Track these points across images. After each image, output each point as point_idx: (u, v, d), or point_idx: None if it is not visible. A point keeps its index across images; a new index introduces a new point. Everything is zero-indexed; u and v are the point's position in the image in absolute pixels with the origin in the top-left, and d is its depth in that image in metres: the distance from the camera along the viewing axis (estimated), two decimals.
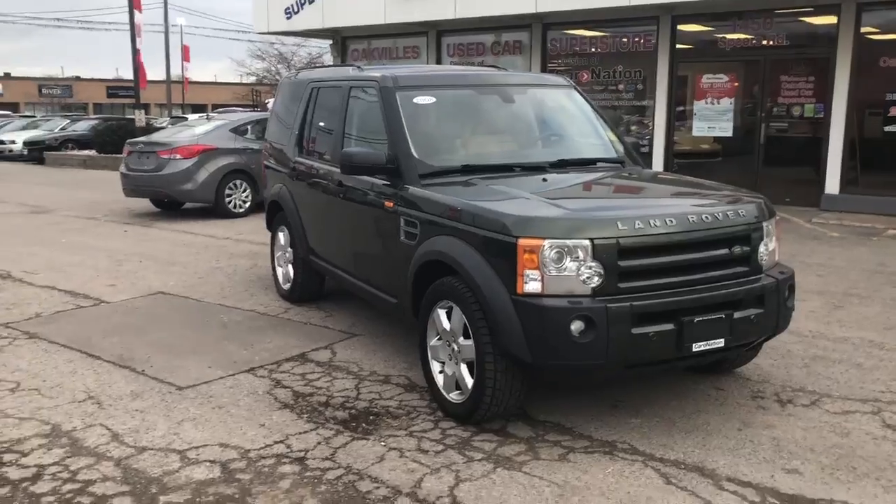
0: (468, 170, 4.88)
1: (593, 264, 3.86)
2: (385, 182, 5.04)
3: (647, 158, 14.25)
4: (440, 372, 4.52)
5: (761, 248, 4.34)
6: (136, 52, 24.08)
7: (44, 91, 67.50)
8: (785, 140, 13.02)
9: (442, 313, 4.40)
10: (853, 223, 11.23)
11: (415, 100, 5.23)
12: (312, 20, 16.81)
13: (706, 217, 4.14)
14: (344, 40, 18.44)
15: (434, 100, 5.31)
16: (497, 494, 3.56)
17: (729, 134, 13.49)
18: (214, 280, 7.95)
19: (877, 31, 12.30)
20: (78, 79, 71.49)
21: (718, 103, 13.48)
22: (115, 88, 67.83)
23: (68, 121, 32.09)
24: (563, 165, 5.08)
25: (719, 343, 4.08)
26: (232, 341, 5.85)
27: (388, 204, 4.99)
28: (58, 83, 70.73)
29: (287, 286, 6.99)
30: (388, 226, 5.00)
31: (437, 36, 16.84)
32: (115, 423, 4.37)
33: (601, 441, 4.12)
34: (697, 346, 4.01)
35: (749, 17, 13.02)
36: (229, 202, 12.52)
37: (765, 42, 12.98)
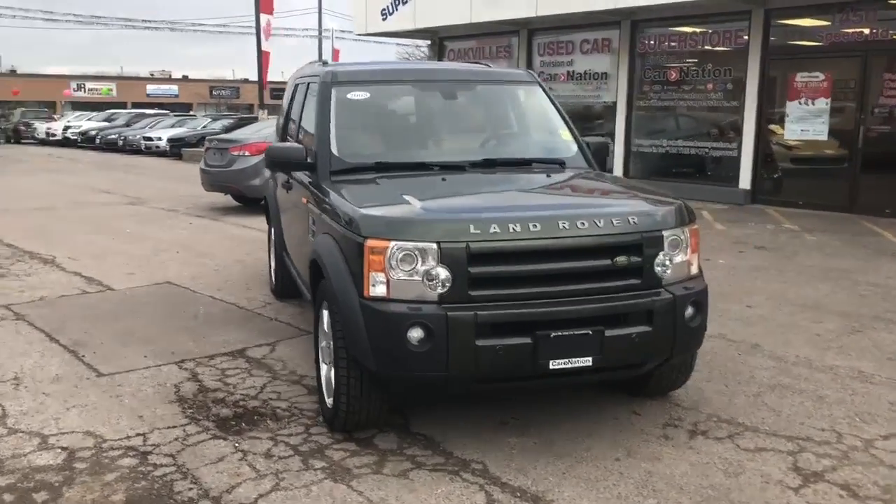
0: (381, 167, 4.71)
1: (440, 269, 3.60)
2: (308, 178, 4.96)
3: (733, 163, 13.35)
4: (325, 375, 4.39)
5: (660, 260, 3.90)
6: (261, 54, 25.24)
7: (214, 93, 72.23)
8: (888, 143, 11.77)
9: (325, 314, 4.27)
10: None
11: (348, 95, 5.11)
12: (405, 21, 16.95)
13: (581, 223, 3.76)
14: (441, 41, 18.47)
15: (368, 95, 5.17)
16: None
17: (823, 137, 12.37)
18: (226, 273, 8.15)
19: None
20: (246, 81, 76.02)
21: (813, 104, 12.38)
22: (278, 91, 71.61)
23: (209, 120, 34.17)
24: (488, 165, 4.79)
25: (586, 362, 3.70)
26: (189, 333, 5.95)
27: (304, 200, 4.92)
28: (227, 85, 75.47)
29: (273, 282, 7.06)
30: (305, 222, 4.93)
31: (528, 35, 16.53)
32: (13, 405, 4.53)
33: (458, 459, 3.84)
34: (556, 364, 3.66)
35: (852, 7, 11.87)
36: None
37: (868, 35, 11.79)
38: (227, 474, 3.69)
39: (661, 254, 3.90)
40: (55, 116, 45.41)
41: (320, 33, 45.96)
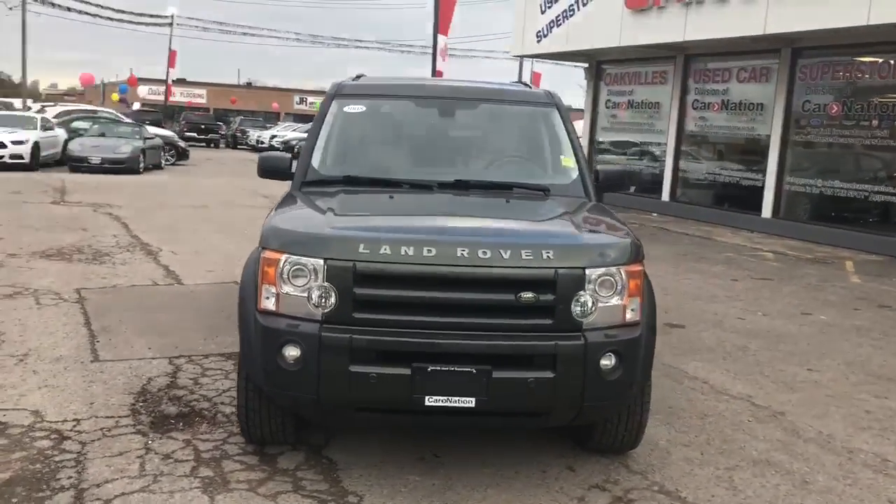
0: (349, 181, 4.61)
1: (325, 286, 3.46)
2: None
3: None
4: None
5: (580, 301, 3.50)
6: (434, 73, 25.97)
7: None
8: None
9: None
10: None
11: (345, 108, 5.08)
12: (558, 43, 16.72)
13: (483, 253, 3.46)
14: (598, 64, 18.01)
15: (363, 108, 5.11)
16: None
17: None
18: None
19: None
20: None
21: None
22: None
23: None
24: (462, 187, 4.54)
25: (467, 402, 3.39)
26: (208, 331, 6.15)
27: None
28: None
29: None
30: None
31: (683, 61, 15.71)
32: (0, 377, 4.89)
33: (340, 489, 3.66)
34: (431, 401, 3.39)
35: None
36: None
37: None
38: (112, 469, 3.74)
39: (581, 294, 3.50)
40: (267, 126, 49.24)
41: (521, 64, 46.36)
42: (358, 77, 5.69)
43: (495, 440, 4.23)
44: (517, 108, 5.27)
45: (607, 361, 3.50)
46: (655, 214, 15.96)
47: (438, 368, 3.36)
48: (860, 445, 4.49)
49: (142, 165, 22.23)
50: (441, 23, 25.98)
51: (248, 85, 78.87)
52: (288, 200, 4.36)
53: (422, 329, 3.43)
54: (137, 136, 23.43)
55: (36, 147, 21.17)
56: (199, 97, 68.47)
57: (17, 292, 7.11)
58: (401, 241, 3.48)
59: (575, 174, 4.85)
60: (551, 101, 5.25)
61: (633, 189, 17.33)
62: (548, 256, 3.49)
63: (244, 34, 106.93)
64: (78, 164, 21.28)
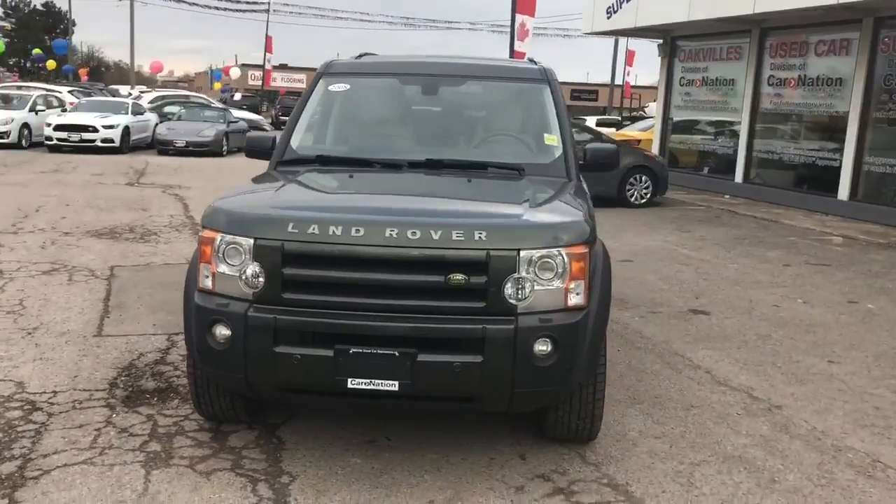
0: (322, 160, 4.58)
1: (254, 266, 3.45)
2: None
3: None
4: None
5: (514, 283, 3.36)
6: (512, 54, 25.62)
7: None
8: None
9: None
10: None
11: (330, 87, 5.05)
12: (627, 19, 16.18)
13: (413, 233, 3.36)
14: (673, 40, 17.34)
15: (347, 87, 5.06)
16: (66, 480, 3.45)
17: None
18: None
19: None
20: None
21: None
22: (578, 91, 71.98)
23: None
24: (434, 166, 4.44)
25: (390, 386, 3.32)
26: None
27: None
28: None
29: None
30: None
31: (759, 36, 14.92)
32: (3, 348, 5.12)
33: (277, 469, 3.65)
34: (354, 383, 3.33)
35: None
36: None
37: None
38: (66, 441, 3.86)
39: (515, 276, 3.36)
40: None
41: (616, 41, 45.32)
42: (361, 55, 5.64)
43: (457, 426, 4.13)
44: (505, 85, 5.11)
45: (542, 347, 3.35)
46: (727, 196, 15.30)
47: (360, 351, 3.30)
48: (853, 444, 4.16)
49: (225, 148, 22.96)
50: (521, 1, 25.63)
51: None
52: (254, 180, 4.37)
53: (350, 311, 3.37)
54: (222, 121, 24.20)
55: (126, 131, 22.15)
56: (299, 82, 70.04)
57: (54, 269, 7.44)
58: (329, 221, 3.42)
59: (558, 153, 4.66)
60: (543, 77, 5.05)
61: (705, 170, 16.67)
62: (480, 237, 3.36)
63: (337, 18, 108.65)
64: (164, 147, 22.16)
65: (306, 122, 4.90)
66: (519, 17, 25.36)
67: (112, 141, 21.52)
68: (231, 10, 56.86)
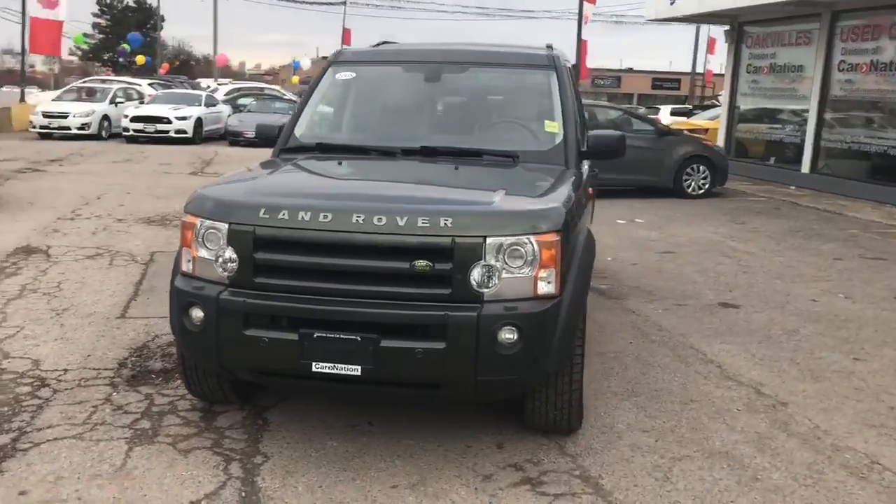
0: (321, 147, 4.65)
1: (228, 250, 3.54)
2: None
3: None
4: None
5: (480, 270, 3.34)
6: (580, 41, 25.33)
7: (596, 81, 73.44)
8: None
9: None
10: None
11: (336, 75, 5.11)
12: (689, 5, 15.73)
13: (379, 219, 3.38)
14: (740, 26, 16.78)
15: (353, 75, 5.11)
16: (52, 453, 3.61)
17: None
18: None
19: None
20: (630, 70, 76.30)
21: None
22: (660, 80, 70.51)
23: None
24: (428, 153, 4.44)
25: (353, 370, 3.35)
26: None
27: None
28: (608, 74, 76.28)
29: None
30: None
31: (830, 19, 14.29)
32: (32, 327, 5.37)
33: (253, 450, 3.73)
34: (318, 367, 3.38)
35: None
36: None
37: None
38: (62, 416, 4.03)
39: (481, 263, 3.34)
40: None
41: (698, 29, 44.17)
42: (379, 44, 5.68)
43: (443, 414, 4.13)
44: (510, 72, 5.06)
45: (507, 335, 3.31)
46: (793, 188, 14.75)
47: (324, 335, 3.34)
48: (855, 444, 3.98)
49: None
50: None
51: None
52: (251, 168, 4.46)
53: (317, 296, 3.42)
54: (291, 112, 24.70)
55: (199, 122, 22.87)
56: None
57: (98, 253, 7.76)
58: (299, 207, 3.47)
59: (558, 140, 4.60)
60: (550, 63, 4.99)
61: (772, 160, 16.11)
62: (445, 224, 3.35)
63: (414, 9, 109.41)
64: (235, 138, 22.75)
65: (312, 110, 4.98)
66: (586, 7, 25.02)
67: (185, 132, 22.25)
68: (313, 2, 57.63)
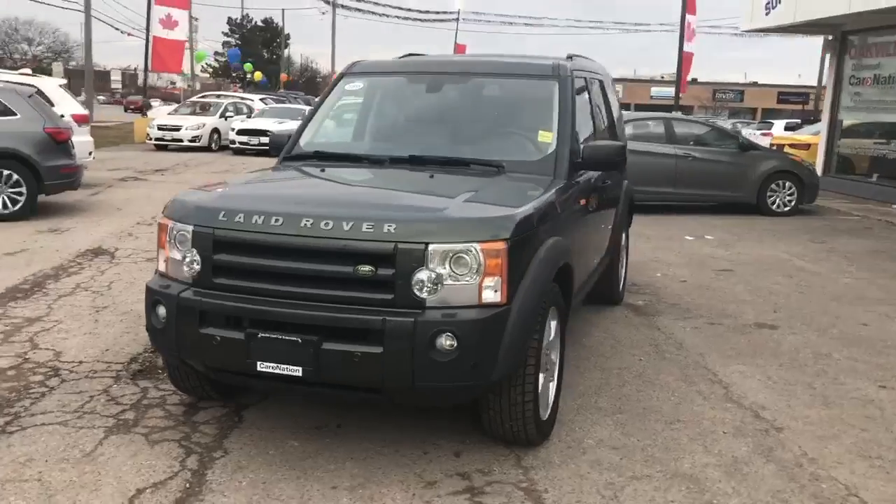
0: (318, 155, 4.79)
1: (192, 252, 3.71)
2: None
3: None
4: None
5: (422, 277, 3.36)
6: (681, 53, 24.69)
7: (717, 95, 71.23)
8: None
9: None
10: None
11: (346, 86, 5.26)
12: (785, 14, 15.08)
13: (326, 224, 3.47)
14: (843, 36, 15.93)
15: (361, 85, 5.24)
16: (33, 437, 3.87)
17: None
18: None
19: None
20: (755, 84, 73.71)
21: None
22: (786, 94, 67.73)
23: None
24: (417, 162, 4.50)
25: (295, 371, 3.44)
26: None
27: None
28: (730, 88, 73.82)
29: None
30: None
31: None
32: (68, 322, 5.75)
33: (214, 446, 3.86)
34: (262, 367, 3.48)
35: None
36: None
37: None
38: (58, 403, 4.30)
39: (423, 270, 3.36)
40: None
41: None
42: (404, 56, 5.80)
43: (417, 417, 4.15)
44: (512, 82, 5.05)
45: (444, 342, 3.32)
46: (894, 206, 13.84)
47: (267, 335, 3.44)
48: (839, 475, 3.73)
49: None
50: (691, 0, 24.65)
51: None
52: (244, 175, 4.64)
53: (267, 297, 3.53)
54: None
55: None
56: None
57: (152, 258, 8.18)
58: (254, 211, 3.60)
59: (549, 150, 4.55)
60: (554, 73, 4.94)
61: (874, 177, 15.17)
62: (389, 230, 3.40)
63: (526, 24, 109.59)
64: None
65: (319, 119, 5.13)
66: (687, 17, 24.42)
67: None
68: (424, 19, 58.95)
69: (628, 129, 12.91)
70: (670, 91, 68.49)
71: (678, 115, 16.14)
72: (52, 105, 12.31)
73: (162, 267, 3.88)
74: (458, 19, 58.15)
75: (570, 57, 5.56)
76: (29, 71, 16.13)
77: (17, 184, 9.95)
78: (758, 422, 4.34)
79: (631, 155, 12.13)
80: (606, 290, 6.44)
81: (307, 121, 5.12)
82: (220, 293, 3.60)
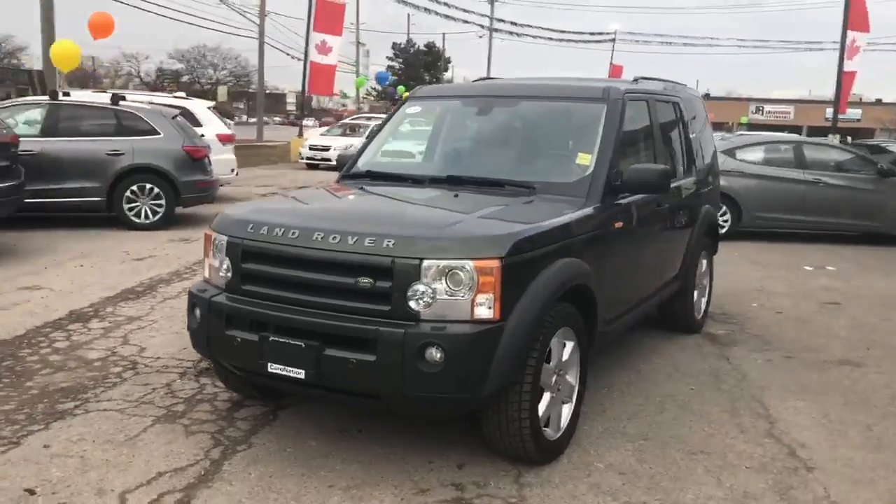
0: (370, 175, 5.08)
1: (226, 260, 4.08)
2: None
3: None
4: None
5: (416, 290, 3.54)
6: (841, 72, 23.27)
7: None
8: None
9: None
10: None
11: (407, 109, 5.53)
12: None
13: (334, 238, 3.72)
14: None
15: (419, 109, 5.48)
16: (91, 419, 4.33)
17: None
18: None
19: None
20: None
21: None
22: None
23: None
24: (454, 182, 4.68)
25: (298, 374, 3.70)
26: None
27: None
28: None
29: None
30: None
31: None
32: (164, 323, 6.34)
33: (242, 439, 4.19)
34: (273, 368, 3.77)
35: None
36: None
37: None
38: (124, 392, 4.77)
39: (417, 284, 3.54)
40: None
41: None
42: (478, 80, 6.02)
43: (436, 428, 4.29)
44: (561, 105, 5.11)
45: (431, 354, 3.46)
46: None
47: (276, 339, 3.72)
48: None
49: None
50: (854, 16, 23.22)
51: (706, 96, 78.11)
52: (291, 192, 5.00)
53: (282, 303, 3.81)
54: None
55: None
56: None
57: None
58: (277, 224, 3.90)
59: (587, 172, 4.59)
60: (604, 96, 4.96)
61: None
62: (388, 245, 3.59)
63: (684, 45, 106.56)
64: None
65: (381, 141, 5.41)
66: (850, 34, 23.04)
67: None
68: (578, 40, 58.92)
69: (757, 153, 12.48)
70: (849, 113, 64.32)
71: (811, 139, 15.25)
72: (200, 125, 13.46)
73: (206, 274, 4.26)
74: (613, 40, 57.53)
75: (636, 80, 5.55)
76: (183, 94, 17.61)
77: (157, 196, 10.97)
78: (790, 459, 4.14)
79: (754, 180, 11.83)
80: (678, 317, 6.29)
81: (368, 141, 5.41)
82: (246, 298, 3.92)
